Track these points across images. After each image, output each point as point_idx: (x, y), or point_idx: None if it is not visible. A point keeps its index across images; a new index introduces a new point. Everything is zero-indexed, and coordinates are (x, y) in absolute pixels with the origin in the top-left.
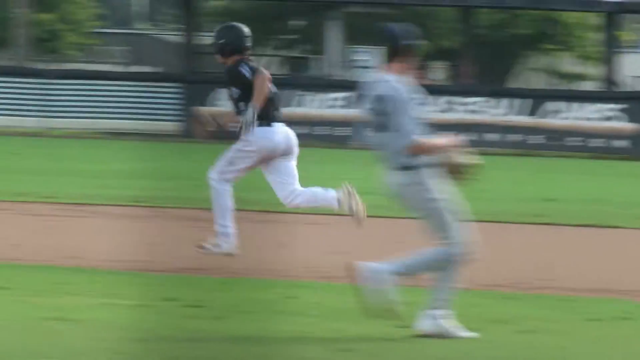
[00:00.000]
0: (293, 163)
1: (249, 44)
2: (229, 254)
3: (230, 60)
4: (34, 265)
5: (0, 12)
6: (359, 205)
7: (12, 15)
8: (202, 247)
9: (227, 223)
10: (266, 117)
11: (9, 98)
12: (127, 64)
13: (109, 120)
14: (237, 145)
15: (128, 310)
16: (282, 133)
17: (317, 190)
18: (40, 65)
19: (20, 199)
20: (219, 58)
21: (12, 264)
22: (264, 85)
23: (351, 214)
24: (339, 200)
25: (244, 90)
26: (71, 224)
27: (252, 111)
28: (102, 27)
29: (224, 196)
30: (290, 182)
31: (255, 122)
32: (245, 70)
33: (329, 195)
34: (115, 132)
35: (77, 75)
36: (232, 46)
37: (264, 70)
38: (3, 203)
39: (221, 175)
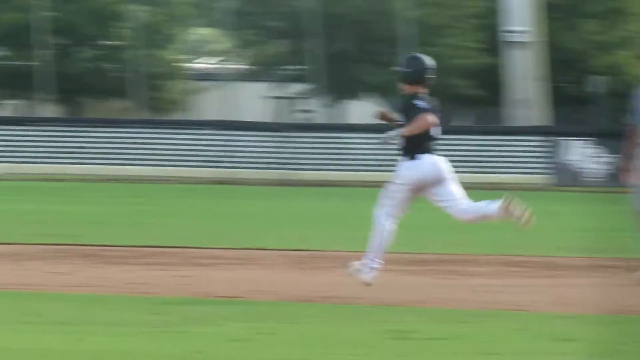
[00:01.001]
0: (449, 186)
1: (432, 75)
2: (366, 283)
3: (411, 90)
4: None
5: None
6: (523, 211)
7: None
8: (349, 265)
9: (377, 259)
10: (412, 151)
11: None
12: None
13: None
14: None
15: None
16: (428, 163)
17: (482, 204)
18: None
19: None
20: (403, 86)
21: None
22: (422, 125)
23: (518, 220)
24: (504, 209)
25: (409, 122)
26: None
27: (396, 134)
28: None
29: (383, 232)
30: (452, 203)
31: (403, 156)
32: (419, 104)
33: (492, 207)
34: None
35: None
36: (415, 75)
37: (430, 115)
38: None
39: (382, 208)
